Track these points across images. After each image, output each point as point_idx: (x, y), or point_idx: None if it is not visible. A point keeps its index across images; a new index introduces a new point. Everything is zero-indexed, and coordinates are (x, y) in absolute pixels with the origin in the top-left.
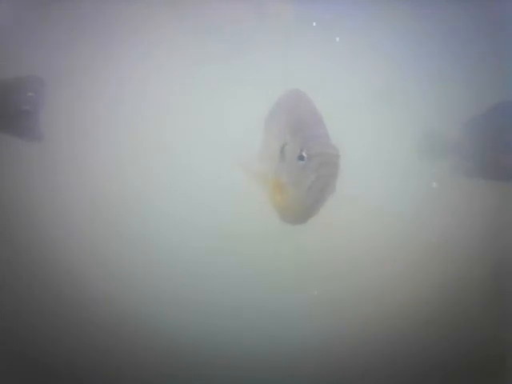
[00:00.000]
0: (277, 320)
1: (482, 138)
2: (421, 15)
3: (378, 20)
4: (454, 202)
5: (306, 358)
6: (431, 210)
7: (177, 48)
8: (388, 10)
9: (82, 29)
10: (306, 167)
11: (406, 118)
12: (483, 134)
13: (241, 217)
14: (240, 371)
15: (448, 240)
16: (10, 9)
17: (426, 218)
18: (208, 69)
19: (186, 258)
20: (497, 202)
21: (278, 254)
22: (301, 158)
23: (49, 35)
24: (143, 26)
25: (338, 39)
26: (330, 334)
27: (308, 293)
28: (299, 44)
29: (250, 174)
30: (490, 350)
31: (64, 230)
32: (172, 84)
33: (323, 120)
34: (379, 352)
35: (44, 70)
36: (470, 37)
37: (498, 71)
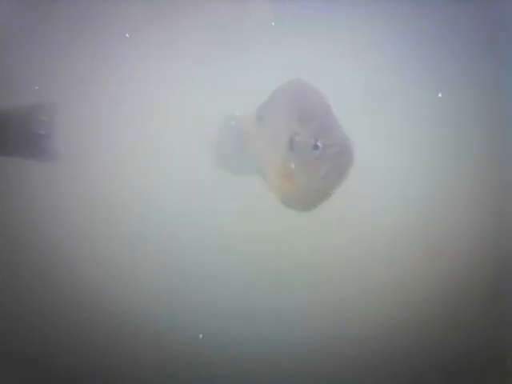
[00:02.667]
0: (277, 320)
1: None
2: (421, 15)
3: (377, 19)
4: (454, 202)
5: (306, 358)
6: (431, 210)
7: (176, 48)
8: (388, 9)
9: (81, 28)
10: (320, 157)
11: (405, 117)
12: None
13: (241, 217)
14: (240, 371)
15: (448, 240)
16: (9, 9)
17: (426, 218)
18: (208, 69)
19: (186, 258)
20: (497, 201)
21: (278, 254)
22: (315, 147)
23: (48, 35)
24: (143, 26)
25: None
26: (329, 334)
27: (308, 293)
28: (299, 43)
29: (254, 166)
30: (490, 350)
31: (64, 230)
32: (171, 84)
33: (331, 108)
34: (379, 352)
35: (43, 70)
36: (470, 37)
37: (498, 71)
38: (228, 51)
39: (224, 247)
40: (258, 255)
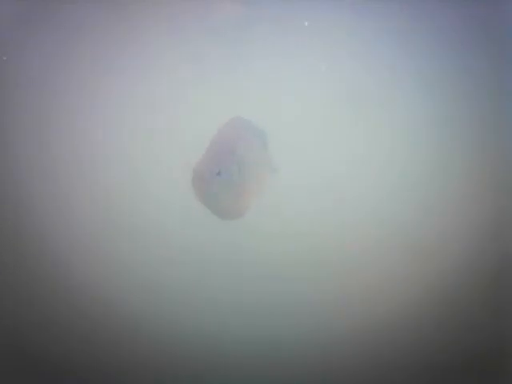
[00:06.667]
0: (276, 320)
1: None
2: (418, 15)
3: (376, 19)
4: (453, 201)
5: (306, 358)
6: (429, 211)
7: (173, 49)
8: (385, 9)
9: (79, 32)
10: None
11: (403, 116)
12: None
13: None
14: (240, 371)
15: (447, 239)
16: (9, 10)
17: (424, 218)
18: (205, 71)
19: (186, 259)
20: (497, 201)
21: (281, 253)
22: (217, 174)
23: (45, 39)
24: (141, 29)
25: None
26: (329, 334)
27: (308, 293)
28: (295, 43)
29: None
30: (490, 349)
31: (63, 230)
32: (171, 85)
33: (242, 147)
34: (378, 352)
35: (42, 72)
36: (470, 37)
37: (498, 71)
38: (225, 54)
39: (225, 248)
40: (260, 255)
